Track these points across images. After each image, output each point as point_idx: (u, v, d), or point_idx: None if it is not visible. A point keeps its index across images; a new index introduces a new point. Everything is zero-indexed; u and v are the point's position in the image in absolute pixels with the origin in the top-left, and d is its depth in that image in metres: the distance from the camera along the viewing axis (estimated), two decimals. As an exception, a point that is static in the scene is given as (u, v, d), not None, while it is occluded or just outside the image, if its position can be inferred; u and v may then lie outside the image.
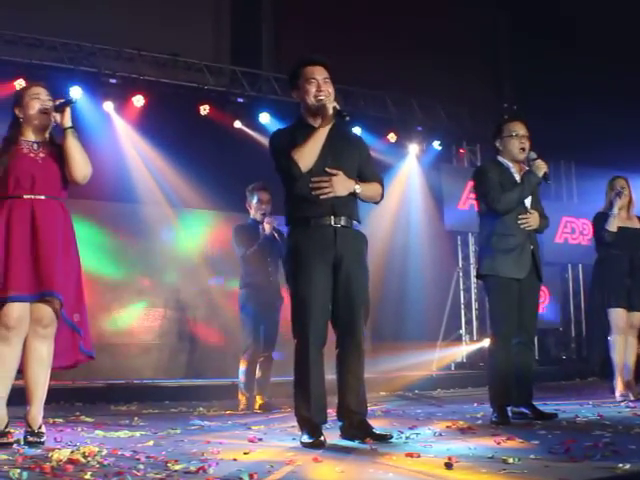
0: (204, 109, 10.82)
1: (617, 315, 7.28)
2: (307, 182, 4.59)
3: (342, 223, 4.64)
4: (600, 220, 7.38)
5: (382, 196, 4.96)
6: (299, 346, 4.57)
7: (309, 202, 4.61)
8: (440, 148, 13.01)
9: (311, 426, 4.50)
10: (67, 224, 4.70)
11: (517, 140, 5.78)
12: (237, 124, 11.28)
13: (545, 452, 3.88)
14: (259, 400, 7.34)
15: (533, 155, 5.79)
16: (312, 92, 4.69)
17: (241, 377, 7.40)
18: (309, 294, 4.55)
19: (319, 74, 4.73)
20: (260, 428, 5.52)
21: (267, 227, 7.40)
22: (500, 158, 5.88)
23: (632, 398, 7.04)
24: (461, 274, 13.03)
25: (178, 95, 10.71)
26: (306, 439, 4.44)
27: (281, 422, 5.83)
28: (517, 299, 5.65)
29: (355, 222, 4.77)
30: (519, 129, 5.82)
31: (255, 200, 7.51)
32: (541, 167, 5.71)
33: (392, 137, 12.28)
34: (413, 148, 12.83)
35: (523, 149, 5.78)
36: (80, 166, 4.68)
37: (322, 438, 4.42)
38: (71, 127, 4.69)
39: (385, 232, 11.83)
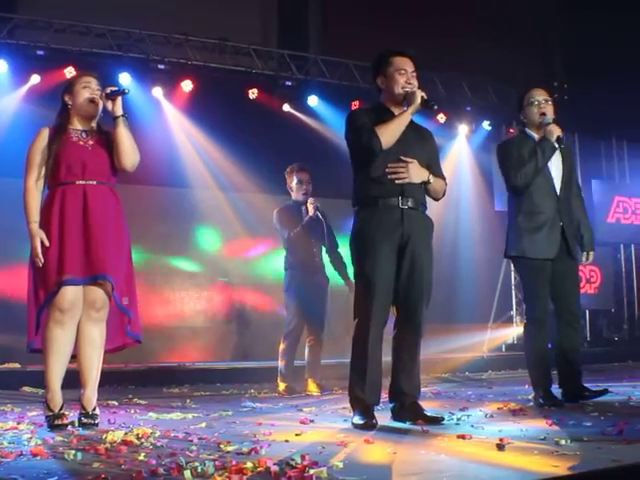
0: (252, 93, 10.85)
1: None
2: (381, 163, 4.63)
3: (410, 205, 4.66)
4: None
5: (444, 193, 5.00)
6: (359, 326, 4.59)
7: (378, 183, 4.65)
8: (490, 128, 12.91)
9: (364, 407, 4.52)
10: (118, 209, 4.75)
11: (536, 107, 5.64)
12: (286, 107, 11.31)
13: (598, 434, 3.84)
14: (311, 383, 7.32)
15: (548, 119, 5.57)
16: (401, 82, 4.76)
17: (280, 360, 7.39)
18: (373, 275, 4.56)
19: (409, 66, 4.80)
20: (311, 410, 5.54)
21: (310, 208, 7.39)
22: (527, 130, 5.75)
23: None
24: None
25: (226, 79, 10.74)
26: (358, 420, 4.46)
27: (332, 404, 5.84)
28: (553, 280, 5.52)
29: (423, 206, 4.80)
30: (537, 95, 5.68)
31: (295, 181, 7.51)
32: (554, 131, 5.48)
33: (441, 118, 12.20)
34: (463, 128, 12.77)
35: (543, 114, 5.61)
36: (129, 154, 4.72)
37: (374, 420, 4.43)
38: (123, 115, 4.73)
39: (435, 213, 11.45)
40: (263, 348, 9.90)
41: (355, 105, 10.96)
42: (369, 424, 4.38)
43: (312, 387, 7.28)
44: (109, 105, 4.73)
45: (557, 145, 5.52)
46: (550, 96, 5.76)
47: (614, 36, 11.93)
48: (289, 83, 11.29)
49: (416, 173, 4.68)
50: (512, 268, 12.71)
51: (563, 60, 14.28)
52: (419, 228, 4.71)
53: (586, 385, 5.64)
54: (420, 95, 4.67)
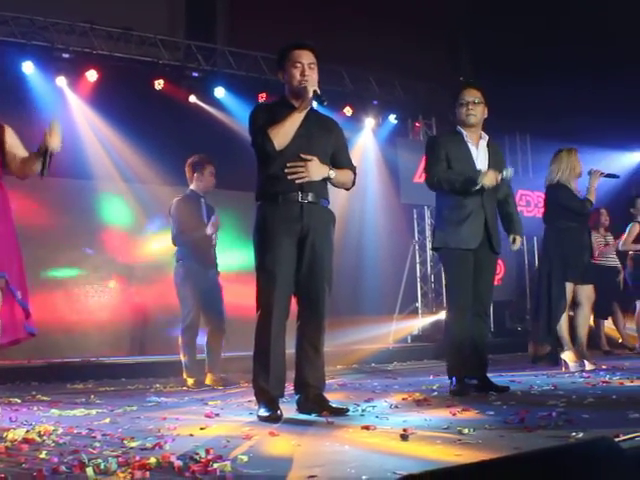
0: (159, 84, 10.70)
1: (569, 289, 7.36)
2: (280, 162, 4.67)
3: (309, 199, 4.70)
4: (562, 191, 7.37)
5: (353, 183, 5.05)
6: (261, 318, 4.62)
7: (279, 179, 4.68)
8: (396, 122, 13.04)
9: (268, 399, 4.55)
10: (4, 201, 4.63)
11: (464, 107, 5.80)
12: (192, 99, 11.19)
13: (500, 422, 3.92)
14: (210, 377, 7.29)
15: (506, 174, 5.70)
16: (296, 76, 4.76)
17: (182, 355, 7.33)
18: (274, 268, 4.61)
19: (306, 59, 4.80)
20: (217, 403, 5.53)
21: (210, 228, 7.33)
22: (457, 127, 5.89)
23: (588, 368, 7.14)
24: (417, 247, 13.10)
25: (132, 70, 10.57)
26: (263, 412, 4.48)
27: (238, 397, 5.83)
28: (472, 270, 5.67)
29: (324, 200, 4.83)
30: (467, 96, 5.82)
31: (197, 173, 7.48)
32: (487, 181, 5.58)
33: (348, 111, 12.26)
34: (369, 122, 12.84)
35: (469, 115, 5.77)
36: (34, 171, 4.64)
37: (279, 412, 4.46)
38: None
39: (341, 205, 11.74)
40: (167, 341, 9.82)
41: (262, 97, 10.94)
42: (274, 416, 4.41)
43: (211, 381, 7.25)
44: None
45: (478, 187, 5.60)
46: (482, 95, 5.86)
47: (518, 33, 12.16)
48: (196, 74, 11.18)
49: (316, 171, 4.71)
50: (417, 261, 12.92)
51: (469, 56, 14.49)
52: (319, 221, 4.76)
53: (489, 376, 5.77)
54: (312, 90, 4.69)
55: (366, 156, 12.78)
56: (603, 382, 5.96)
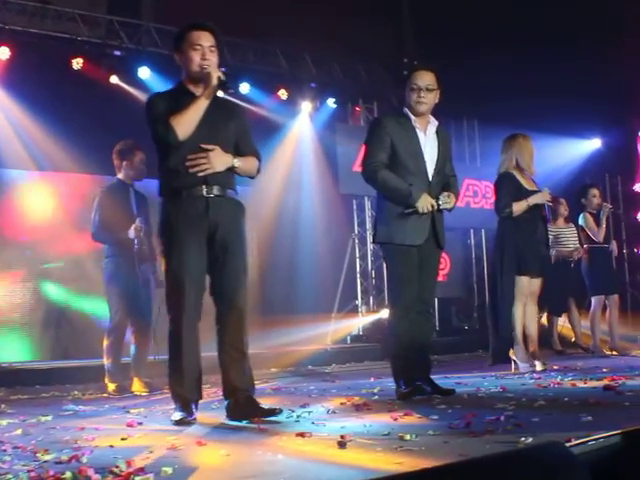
0: (77, 63, 10.52)
1: (526, 283, 7.42)
2: (181, 155, 4.69)
3: (215, 192, 4.74)
4: (506, 181, 7.46)
5: (258, 170, 5.08)
6: (173, 322, 4.71)
7: (181, 173, 4.70)
8: (335, 106, 13.04)
9: (183, 403, 4.66)
10: None
11: (415, 93, 5.70)
12: (114, 79, 11.02)
13: (444, 427, 3.95)
14: (137, 382, 7.21)
15: (443, 202, 5.61)
16: (196, 60, 4.77)
17: (105, 358, 7.26)
18: (181, 270, 4.68)
19: (205, 41, 4.81)
20: (140, 411, 5.51)
21: (133, 232, 7.24)
22: (406, 109, 5.81)
23: (538, 369, 7.22)
24: (357, 240, 13.10)
25: (48, 47, 10.39)
26: (175, 416, 4.60)
27: (163, 404, 5.78)
28: (417, 266, 5.67)
29: (231, 191, 4.86)
30: (419, 80, 5.71)
31: (125, 160, 7.40)
32: (422, 206, 5.53)
33: (283, 94, 12.23)
34: (306, 106, 12.82)
35: (419, 103, 5.69)
36: None
37: (192, 416, 4.60)
38: None
39: (275, 197, 11.85)
40: (86, 345, 9.71)
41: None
42: (186, 420, 4.54)
43: (138, 386, 7.18)
44: None
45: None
46: (436, 80, 5.76)
47: (466, 16, 12.21)
48: (118, 52, 11.04)
49: (218, 161, 4.74)
50: (357, 255, 12.95)
51: (414, 36, 14.52)
52: (227, 216, 4.79)
53: (434, 378, 5.78)
54: (216, 76, 4.70)
55: (302, 143, 12.78)
56: (555, 383, 6.04)
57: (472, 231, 14.31)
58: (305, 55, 12.39)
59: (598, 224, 9.50)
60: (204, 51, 4.76)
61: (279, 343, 10.14)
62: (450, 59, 10.81)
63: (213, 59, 4.79)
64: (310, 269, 12.18)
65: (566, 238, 10.08)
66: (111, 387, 7.14)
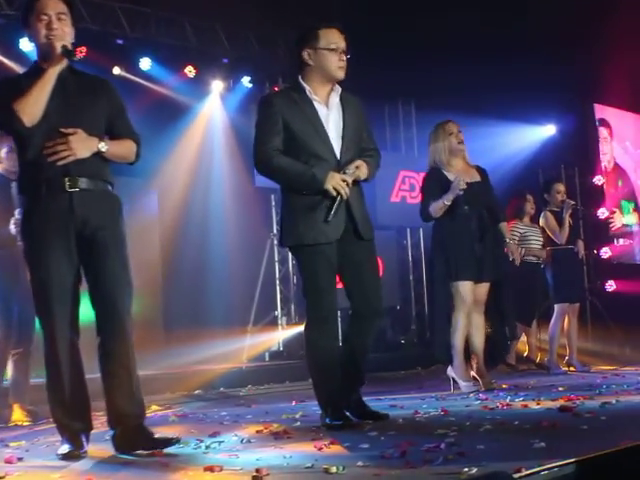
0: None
1: (465, 289, 7.44)
2: (37, 143, 4.60)
3: (81, 186, 4.64)
4: (429, 176, 7.54)
5: (138, 155, 4.97)
6: (45, 339, 4.63)
7: (38, 165, 4.61)
8: (251, 85, 13.02)
9: (70, 434, 4.60)
10: None
11: (335, 55, 5.49)
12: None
13: (376, 458, 3.94)
14: (17, 410, 7.07)
15: (350, 172, 5.41)
16: (42, 31, 4.67)
17: None
18: (47, 281, 4.60)
19: (52, 8, 4.70)
20: (21, 444, 5.40)
21: (13, 226, 7.09)
22: (302, 81, 5.57)
23: (482, 388, 7.27)
24: (275, 241, 12.98)
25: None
26: (63, 449, 4.54)
27: (48, 435, 5.67)
28: (346, 270, 5.52)
29: (102, 182, 4.76)
30: (339, 40, 5.53)
31: (4, 151, 7.28)
32: (332, 181, 5.33)
33: (190, 71, 12.16)
34: (217, 85, 12.81)
35: (342, 68, 5.50)
36: None
37: (83, 450, 4.53)
38: None
39: (180, 191, 11.78)
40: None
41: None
42: (74, 454, 4.47)
43: (19, 415, 7.04)
44: None
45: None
46: (345, 36, 5.58)
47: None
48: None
49: (81, 146, 4.61)
50: (276, 259, 12.94)
51: (343, 9, 14.49)
52: (97, 212, 4.69)
53: (364, 400, 5.76)
54: (59, 45, 4.62)
55: (212, 128, 12.76)
56: (503, 405, 6.09)
57: (409, 230, 14.34)
58: (216, 26, 12.30)
59: (560, 224, 9.55)
60: (51, 20, 4.64)
61: (185, 362, 10.09)
62: (382, 26, 10.74)
63: (63, 28, 4.67)
64: (221, 275, 12.14)
65: (535, 237, 10.07)
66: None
